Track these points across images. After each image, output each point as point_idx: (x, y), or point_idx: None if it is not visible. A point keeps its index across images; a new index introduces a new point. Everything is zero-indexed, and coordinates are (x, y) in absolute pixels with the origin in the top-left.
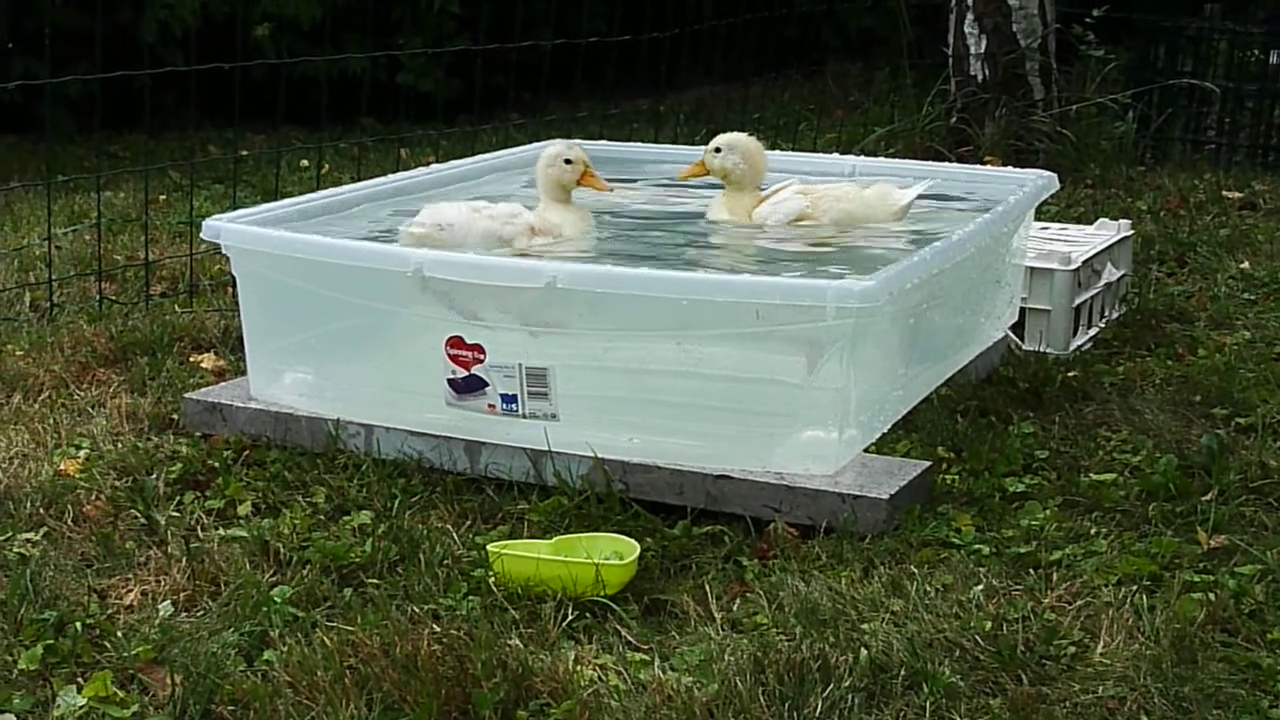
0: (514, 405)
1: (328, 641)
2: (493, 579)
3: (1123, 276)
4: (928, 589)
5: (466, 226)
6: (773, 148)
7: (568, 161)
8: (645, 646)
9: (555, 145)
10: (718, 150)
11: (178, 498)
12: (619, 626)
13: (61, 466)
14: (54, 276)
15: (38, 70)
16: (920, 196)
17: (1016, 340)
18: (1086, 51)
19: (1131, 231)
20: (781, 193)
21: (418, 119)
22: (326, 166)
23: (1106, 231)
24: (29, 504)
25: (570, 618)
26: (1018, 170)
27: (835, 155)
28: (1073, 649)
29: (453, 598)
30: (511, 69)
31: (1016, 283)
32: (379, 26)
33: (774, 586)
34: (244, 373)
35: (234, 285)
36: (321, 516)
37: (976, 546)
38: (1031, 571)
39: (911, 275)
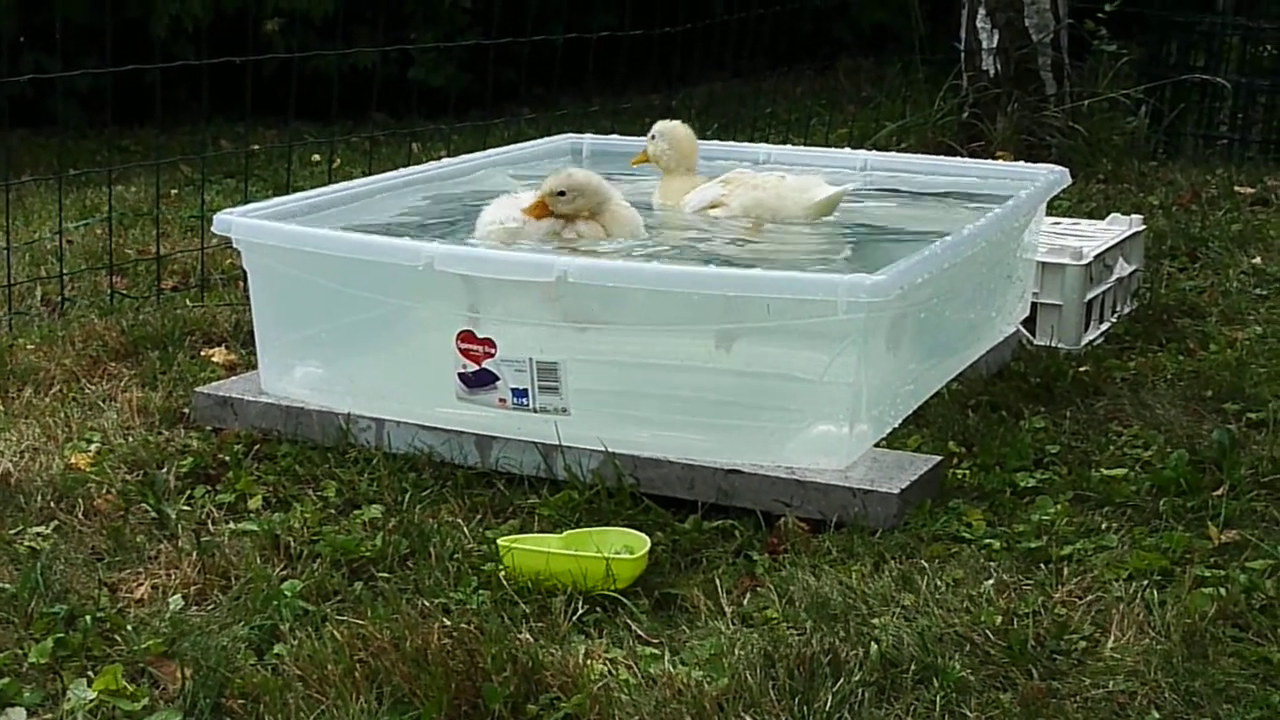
0: (525, 399)
1: (338, 635)
2: (503, 573)
3: (1134, 271)
4: (938, 583)
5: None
6: (784, 142)
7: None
8: (655, 640)
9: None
10: (653, 137)
11: (188, 491)
12: (629, 621)
13: (72, 460)
14: (65, 270)
15: (49, 64)
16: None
17: (1028, 335)
18: (1099, 46)
19: (1143, 226)
20: (711, 180)
21: (429, 113)
22: (338, 161)
23: (1118, 226)
24: (40, 498)
25: (580, 612)
26: (1030, 165)
27: (847, 150)
28: (1083, 644)
29: (463, 592)
30: (523, 64)
31: (1028, 278)
32: (390, 21)
33: (784, 581)
34: (255, 367)
35: (245, 279)
36: (332, 510)
37: (987, 541)
38: (1042, 566)
39: (923, 270)
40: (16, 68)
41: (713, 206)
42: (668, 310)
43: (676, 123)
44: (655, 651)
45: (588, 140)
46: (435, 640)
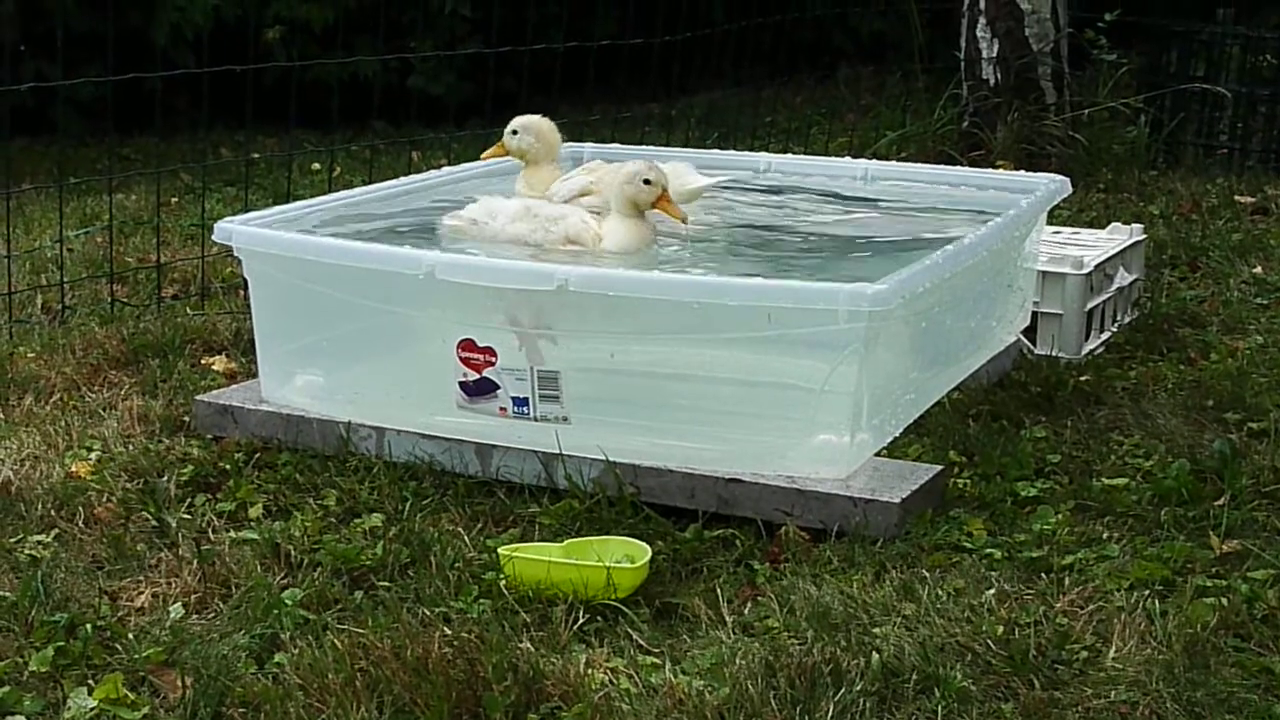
0: (525, 408)
1: (338, 644)
2: (504, 582)
3: (1135, 281)
4: (939, 593)
5: (500, 227)
6: (784, 151)
7: (646, 182)
8: (656, 650)
9: (636, 164)
10: (514, 132)
11: (189, 500)
12: (630, 630)
13: (73, 468)
14: (66, 279)
15: (49, 72)
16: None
17: (1028, 344)
18: (1099, 56)
19: (1144, 236)
20: (574, 171)
21: (429, 122)
22: (338, 169)
23: (1119, 236)
24: (40, 506)
25: (581, 621)
26: (1030, 174)
27: (847, 159)
28: (1085, 654)
29: (464, 601)
30: (523, 72)
31: (1029, 287)
32: (390, 29)
33: (785, 590)
34: (255, 375)
35: (245, 288)
36: (332, 519)
37: (988, 551)
38: (1043, 576)
39: (924, 279)
40: (17, 76)
41: (583, 194)
42: (668, 318)
43: (538, 116)
44: (656, 661)
45: (588, 149)
46: (436, 649)
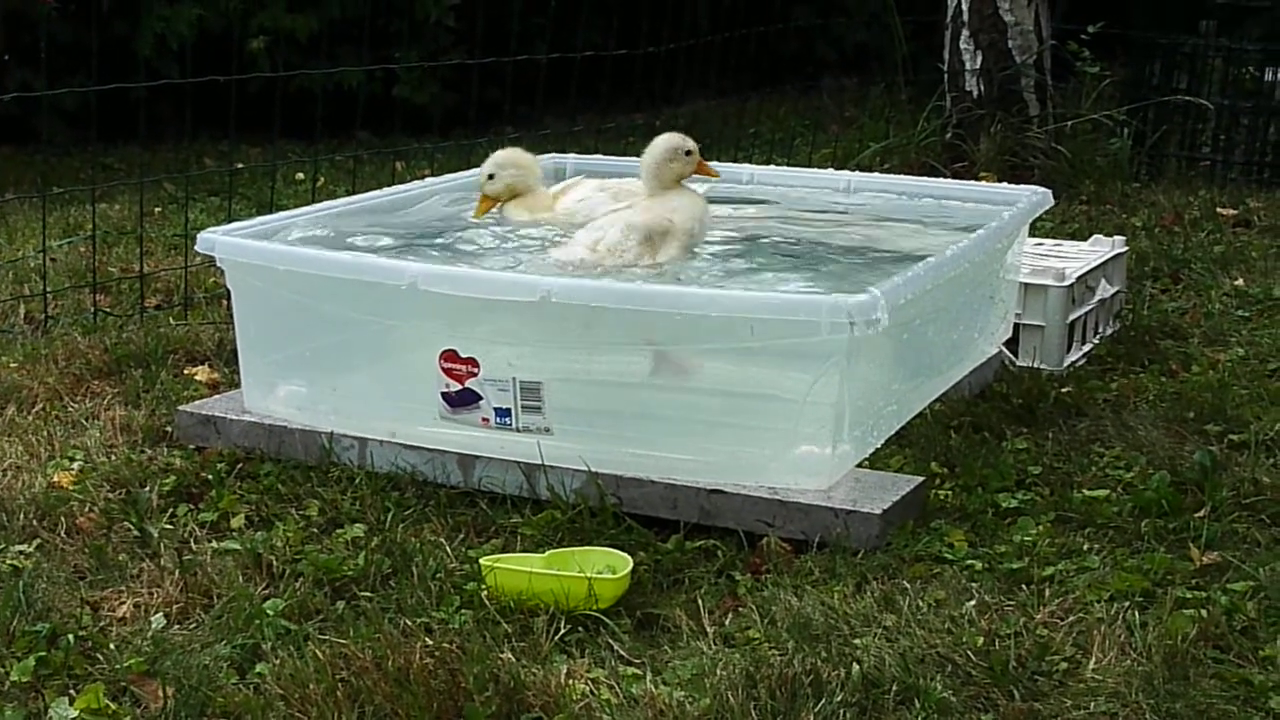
0: (508, 419)
1: (320, 654)
2: (485, 592)
3: (1117, 293)
4: (920, 604)
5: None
6: (768, 163)
7: (688, 153)
8: (637, 660)
9: (670, 138)
10: (491, 176)
11: (171, 510)
12: (611, 640)
13: (55, 478)
14: (49, 289)
15: (34, 82)
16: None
17: (1010, 356)
18: (1082, 68)
19: (1126, 248)
20: (577, 189)
21: (413, 132)
22: (322, 179)
23: (1101, 248)
24: (22, 516)
25: (563, 631)
26: (1013, 186)
27: (830, 170)
28: (1065, 665)
29: (445, 611)
30: (507, 82)
31: (1010, 298)
32: (375, 39)
33: (766, 601)
34: (238, 385)
35: (228, 298)
36: (314, 529)
37: (969, 562)
38: (1024, 587)
39: (906, 290)
40: (2, 85)
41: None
42: (650, 330)
43: (504, 151)
44: (637, 671)
45: (571, 160)
46: (417, 660)
